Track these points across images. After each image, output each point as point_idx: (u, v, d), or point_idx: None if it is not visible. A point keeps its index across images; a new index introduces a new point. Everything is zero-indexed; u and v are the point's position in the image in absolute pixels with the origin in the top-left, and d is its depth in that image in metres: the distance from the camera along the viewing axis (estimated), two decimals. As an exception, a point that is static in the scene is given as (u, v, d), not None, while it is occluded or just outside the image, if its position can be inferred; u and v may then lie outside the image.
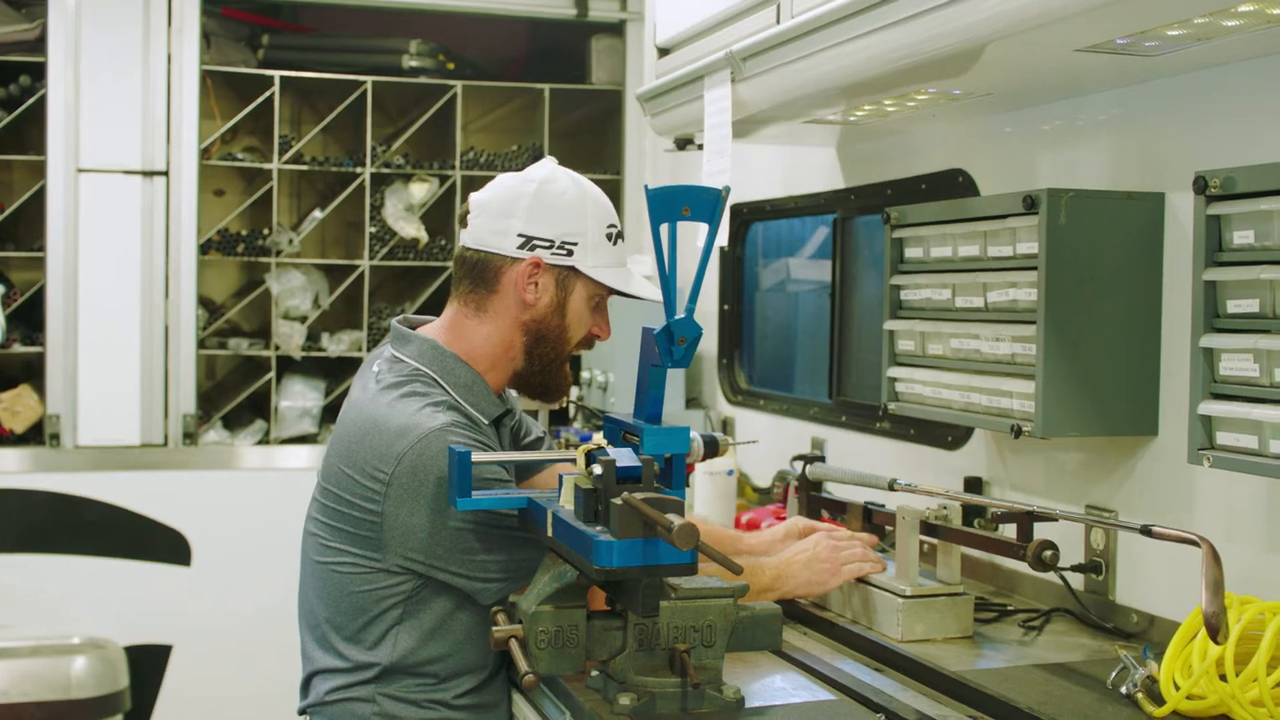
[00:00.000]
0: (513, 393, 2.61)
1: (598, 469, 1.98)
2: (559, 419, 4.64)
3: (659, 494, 1.93)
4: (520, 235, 2.40)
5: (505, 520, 2.28)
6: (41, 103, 4.77)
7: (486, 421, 2.42)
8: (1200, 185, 2.10)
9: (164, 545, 4.83)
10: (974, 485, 3.03)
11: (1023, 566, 2.45)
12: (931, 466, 3.24)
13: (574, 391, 4.67)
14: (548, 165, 2.48)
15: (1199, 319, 2.13)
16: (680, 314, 2.03)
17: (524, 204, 2.41)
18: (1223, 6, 1.94)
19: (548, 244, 2.40)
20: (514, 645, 2.05)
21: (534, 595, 2.09)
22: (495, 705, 2.48)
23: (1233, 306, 2.08)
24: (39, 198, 4.80)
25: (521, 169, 2.47)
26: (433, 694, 2.38)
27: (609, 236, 2.44)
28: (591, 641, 2.10)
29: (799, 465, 3.10)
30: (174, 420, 4.88)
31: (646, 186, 2.02)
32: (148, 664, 4.81)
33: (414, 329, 2.51)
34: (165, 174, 4.88)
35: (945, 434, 3.21)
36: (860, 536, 2.72)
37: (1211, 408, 2.11)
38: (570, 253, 2.40)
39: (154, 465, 4.83)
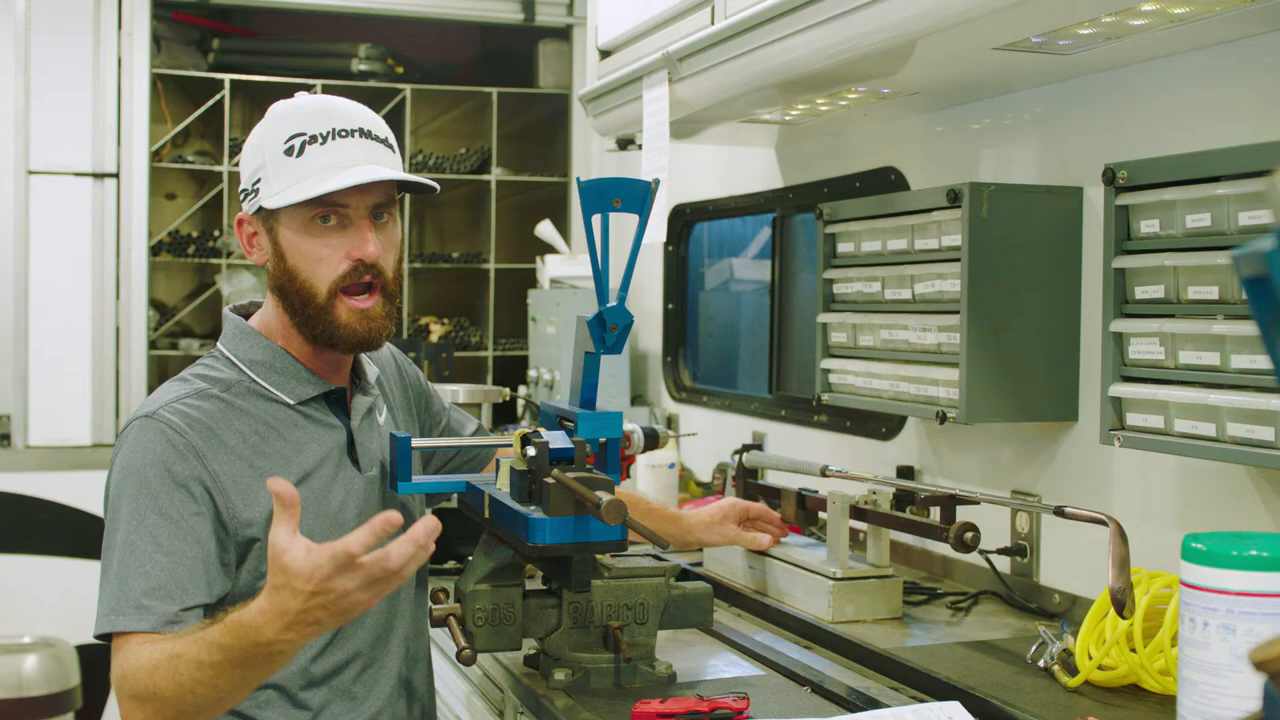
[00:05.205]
0: (373, 369, 2.35)
1: (532, 451, 2.05)
2: (506, 417, 4.70)
3: (589, 473, 2.00)
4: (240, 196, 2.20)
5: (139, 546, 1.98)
6: (-9, 105, 4.81)
7: (293, 402, 2.16)
8: (1109, 177, 2.20)
9: (115, 544, 4.84)
10: (906, 474, 3.11)
11: (953, 552, 2.53)
12: (866, 457, 3.32)
13: (521, 389, 4.73)
14: None
15: (1109, 305, 2.22)
16: (612, 302, 2.10)
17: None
18: (1126, 6, 2.03)
19: (244, 194, 2.16)
20: (452, 622, 2.12)
21: (471, 575, 2.16)
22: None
23: (1140, 292, 2.18)
24: (-11, 200, 4.83)
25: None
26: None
27: (289, 151, 2.09)
28: (528, 619, 2.17)
29: (737, 458, 3.17)
30: (125, 420, 4.90)
31: (578, 179, 2.09)
32: (99, 662, 4.82)
33: (249, 316, 2.28)
34: (116, 176, 4.92)
35: (879, 425, 3.29)
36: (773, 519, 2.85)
37: (1121, 390, 2.20)
38: (257, 192, 2.12)
39: (105, 465, 4.79)
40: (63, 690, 4.68)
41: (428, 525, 1.66)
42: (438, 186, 2.26)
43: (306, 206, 2.08)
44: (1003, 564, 2.81)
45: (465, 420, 2.62)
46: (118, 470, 2.05)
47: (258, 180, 2.12)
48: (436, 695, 2.49)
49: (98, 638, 1.98)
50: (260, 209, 2.12)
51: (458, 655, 2.06)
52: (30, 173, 4.82)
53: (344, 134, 2.11)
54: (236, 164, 5.11)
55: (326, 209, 2.09)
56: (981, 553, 2.71)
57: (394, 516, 1.67)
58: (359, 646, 2.18)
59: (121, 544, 1.98)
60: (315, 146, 2.09)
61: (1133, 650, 2.07)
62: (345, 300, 2.12)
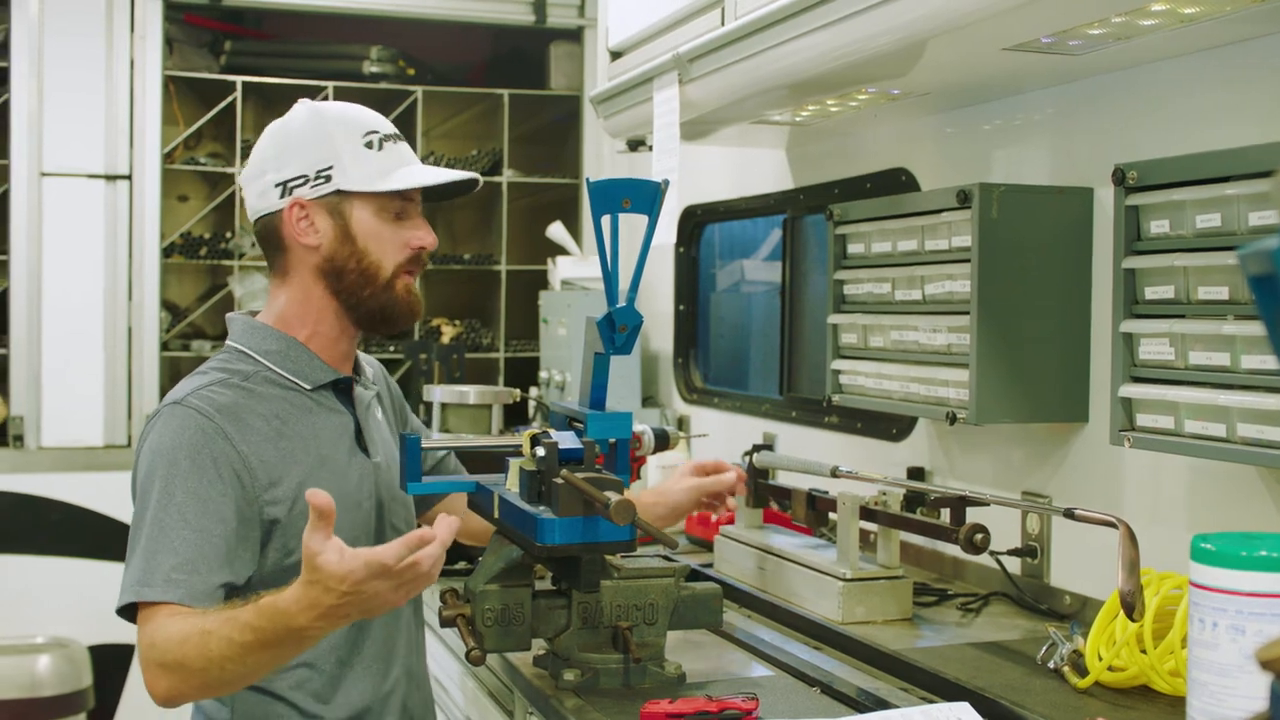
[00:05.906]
0: (370, 369, 2.48)
1: (541, 451, 2.06)
2: (517, 418, 4.70)
3: (598, 474, 2.00)
4: (277, 185, 2.25)
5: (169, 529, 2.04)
6: (4, 107, 4.82)
7: (309, 386, 2.26)
8: (1119, 177, 2.20)
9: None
10: (916, 475, 3.11)
11: (964, 553, 2.53)
12: (877, 458, 3.32)
13: (532, 391, 4.73)
14: (291, 111, 2.36)
15: (1119, 305, 2.22)
16: (622, 303, 2.10)
17: (269, 155, 2.28)
18: (1136, 6, 2.03)
19: (302, 180, 2.23)
20: (461, 623, 2.12)
21: (481, 574, 2.16)
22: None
23: (1150, 293, 2.18)
24: (2, 201, 4.84)
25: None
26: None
27: (369, 145, 2.25)
28: (537, 619, 2.17)
29: (748, 459, 3.17)
30: (137, 421, 4.92)
31: (588, 180, 2.10)
32: (111, 663, 4.85)
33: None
34: (128, 178, 4.93)
35: (890, 426, 3.29)
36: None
37: (1131, 390, 2.20)
38: (329, 178, 2.23)
39: (117, 466, 4.86)
40: (75, 691, 4.69)
41: (450, 525, 1.84)
42: (480, 179, 2.42)
43: (389, 196, 2.25)
44: (1013, 565, 2.81)
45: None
46: (147, 454, 2.12)
47: (329, 167, 2.23)
48: (445, 695, 2.50)
49: (119, 612, 2.03)
50: (337, 192, 2.23)
51: (467, 655, 2.06)
52: (43, 175, 4.83)
53: (400, 137, 2.33)
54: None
55: (404, 201, 2.28)
56: (992, 554, 2.71)
57: (428, 534, 1.82)
58: (375, 626, 2.27)
59: (150, 522, 2.04)
60: (391, 144, 2.28)
61: (1143, 651, 2.07)
62: (403, 278, 2.29)
